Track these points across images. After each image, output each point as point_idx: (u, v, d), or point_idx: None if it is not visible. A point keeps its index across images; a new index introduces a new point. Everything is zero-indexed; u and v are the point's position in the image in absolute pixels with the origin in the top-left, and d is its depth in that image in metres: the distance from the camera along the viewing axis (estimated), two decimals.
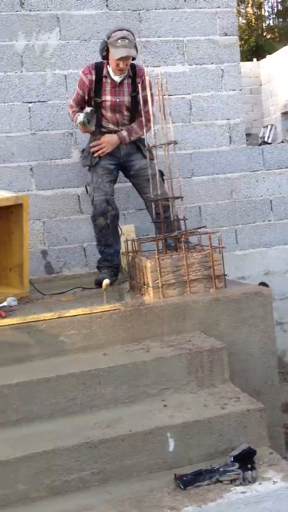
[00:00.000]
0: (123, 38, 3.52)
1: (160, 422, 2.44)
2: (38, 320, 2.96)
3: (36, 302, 3.45)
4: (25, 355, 2.88)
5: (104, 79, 3.72)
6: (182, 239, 3.37)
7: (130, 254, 3.63)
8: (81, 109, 3.76)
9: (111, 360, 2.76)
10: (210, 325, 3.09)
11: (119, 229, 3.91)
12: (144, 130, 3.81)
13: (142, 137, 3.85)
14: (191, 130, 4.76)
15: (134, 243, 3.62)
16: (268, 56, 13.19)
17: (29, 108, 4.30)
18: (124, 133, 3.78)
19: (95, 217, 3.83)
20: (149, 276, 3.25)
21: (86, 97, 3.77)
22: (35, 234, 4.28)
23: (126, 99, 3.76)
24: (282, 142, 9.64)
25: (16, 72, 4.27)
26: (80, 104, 3.80)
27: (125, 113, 3.80)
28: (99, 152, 3.75)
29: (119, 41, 3.52)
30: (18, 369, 2.77)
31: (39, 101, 4.33)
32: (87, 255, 4.43)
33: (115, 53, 3.55)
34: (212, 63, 4.75)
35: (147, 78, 3.52)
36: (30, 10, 4.29)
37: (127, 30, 3.59)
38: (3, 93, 4.25)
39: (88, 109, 3.65)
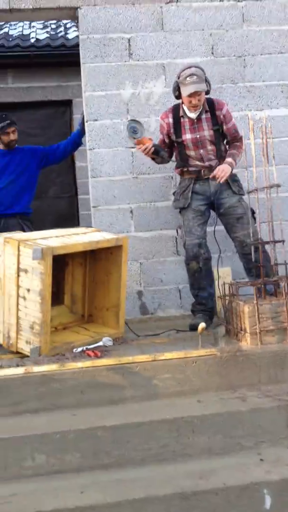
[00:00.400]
0: (191, 75, 3.62)
1: (256, 477, 2.32)
2: (133, 362, 2.95)
3: (130, 343, 3.46)
4: (119, 397, 2.87)
5: (181, 119, 3.83)
6: (283, 284, 3.26)
7: (227, 298, 3.56)
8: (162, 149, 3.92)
9: (205, 408, 2.68)
10: None
11: (213, 272, 3.87)
12: (240, 150, 3.86)
13: (233, 172, 3.84)
14: None
15: (231, 287, 3.55)
16: None
17: (132, 153, 4.42)
18: (229, 159, 3.78)
19: (188, 261, 3.86)
20: (246, 321, 3.16)
21: (167, 140, 3.90)
22: (131, 275, 4.33)
23: (207, 133, 3.82)
24: None
25: (122, 119, 4.42)
26: (162, 146, 3.94)
27: (209, 147, 3.84)
28: (222, 180, 3.72)
29: (187, 78, 3.62)
30: (111, 411, 2.76)
31: None
32: (182, 297, 4.40)
33: (185, 91, 3.66)
34: None
35: (226, 107, 3.74)
36: (138, 60, 4.47)
37: (196, 67, 3.69)
38: (109, 139, 4.41)
39: (127, 121, 3.75)
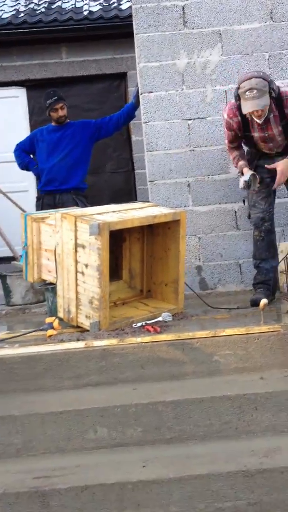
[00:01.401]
0: (251, 89, 3.36)
1: None
2: (193, 338, 2.92)
3: (190, 318, 3.42)
4: (179, 372, 2.86)
5: (249, 119, 3.60)
6: None
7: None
8: (238, 147, 3.75)
9: (268, 385, 2.63)
10: None
11: (276, 245, 3.77)
12: None
13: None
14: None
15: None
16: None
17: (188, 125, 4.31)
18: None
19: (253, 231, 3.80)
20: None
21: (240, 134, 3.70)
22: (190, 250, 4.27)
23: (276, 131, 3.62)
24: None
25: (177, 90, 4.32)
26: (235, 142, 3.75)
27: (279, 139, 3.66)
28: (278, 185, 3.65)
29: (247, 92, 3.38)
30: (172, 386, 2.75)
31: (198, 118, 4.32)
32: (242, 271, 4.31)
33: (243, 107, 3.43)
34: None
35: None
36: (193, 28, 4.32)
37: (257, 77, 3.39)
38: (164, 111, 4.32)
39: (249, 173, 3.58)
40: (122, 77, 7.36)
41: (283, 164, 3.59)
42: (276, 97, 3.52)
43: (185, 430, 2.50)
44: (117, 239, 3.71)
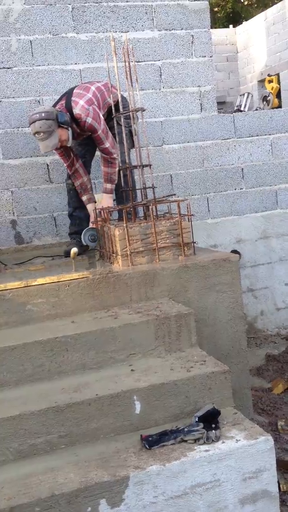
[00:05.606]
0: (37, 133, 3.43)
1: (126, 386, 2.46)
2: (5, 289, 2.94)
3: (4, 271, 3.43)
4: None
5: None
6: (151, 207, 3.36)
7: (99, 222, 3.62)
8: (77, 171, 3.79)
9: (78, 327, 2.77)
10: (179, 291, 3.11)
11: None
12: (111, 165, 3.72)
13: None
14: (162, 98, 4.71)
15: (103, 212, 3.61)
16: (244, 22, 13.02)
17: None
18: (108, 185, 3.74)
19: (65, 180, 3.88)
20: (117, 244, 3.25)
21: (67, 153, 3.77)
22: (3, 204, 4.24)
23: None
24: (257, 110, 9.58)
25: None
26: (68, 158, 3.78)
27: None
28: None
29: (35, 135, 3.46)
30: None
31: (3, 68, 4.23)
32: (57, 224, 4.40)
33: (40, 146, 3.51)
34: (182, 29, 4.68)
35: (88, 121, 3.51)
36: None
37: (39, 120, 3.39)
38: None
39: (92, 230, 3.67)
40: None
41: (105, 201, 3.72)
42: (74, 121, 3.57)
43: None
44: None
